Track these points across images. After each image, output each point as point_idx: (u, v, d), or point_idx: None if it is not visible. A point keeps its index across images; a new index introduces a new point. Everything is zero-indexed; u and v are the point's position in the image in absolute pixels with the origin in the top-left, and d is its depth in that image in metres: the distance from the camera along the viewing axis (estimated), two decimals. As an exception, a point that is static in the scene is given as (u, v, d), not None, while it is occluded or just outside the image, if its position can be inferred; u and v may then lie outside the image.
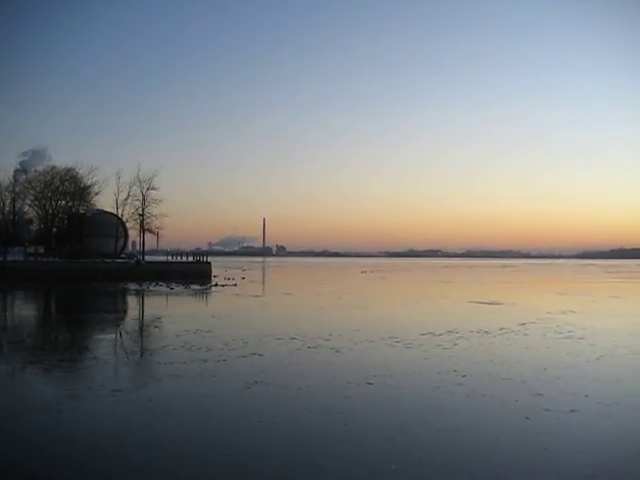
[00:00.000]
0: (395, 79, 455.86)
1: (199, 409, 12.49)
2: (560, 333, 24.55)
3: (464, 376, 15.75)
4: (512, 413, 12.34)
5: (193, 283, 60.28)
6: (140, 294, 49.18)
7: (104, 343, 21.93)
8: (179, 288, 53.90)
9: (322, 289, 57.02)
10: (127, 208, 79.98)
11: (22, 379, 15.98)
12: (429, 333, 23.94)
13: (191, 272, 72.62)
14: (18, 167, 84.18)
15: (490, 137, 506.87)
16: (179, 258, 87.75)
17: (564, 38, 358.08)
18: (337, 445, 10.17)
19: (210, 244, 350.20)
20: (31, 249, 75.45)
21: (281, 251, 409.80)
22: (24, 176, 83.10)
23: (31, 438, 10.44)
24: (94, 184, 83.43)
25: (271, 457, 9.55)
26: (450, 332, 24.28)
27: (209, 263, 79.59)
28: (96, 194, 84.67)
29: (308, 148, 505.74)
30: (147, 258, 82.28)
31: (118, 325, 28.59)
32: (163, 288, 53.76)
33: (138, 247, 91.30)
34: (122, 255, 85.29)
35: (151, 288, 53.92)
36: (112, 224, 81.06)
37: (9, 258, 69.18)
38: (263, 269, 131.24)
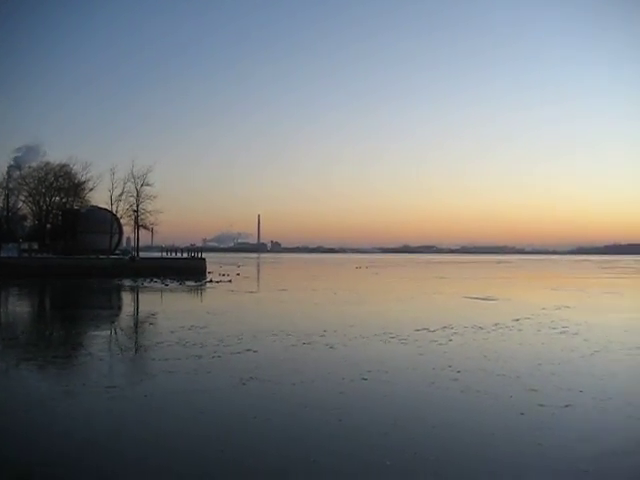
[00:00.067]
0: (389, 75, 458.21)
1: (194, 405, 12.46)
2: (554, 329, 24.62)
3: (459, 372, 15.77)
4: (507, 409, 12.36)
5: (188, 279, 60.23)
6: (135, 290, 49.11)
7: (98, 339, 21.89)
8: (174, 284, 53.82)
9: (317, 285, 57.02)
10: (121, 204, 79.98)
11: (16, 376, 15.91)
12: (424, 329, 23.96)
13: (186, 268, 72.64)
14: (12, 163, 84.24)
15: (484, 132, 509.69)
16: (174, 254, 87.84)
17: (562, 33, 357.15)
18: (332, 441, 10.18)
19: (205, 240, 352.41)
20: (25, 245, 75.11)
21: (276, 247, 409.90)
22: (18, 172, 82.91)
23: (26, 435, 10.42)
24: (88, 180, 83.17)
25: (266, 453, 9.55)
26: (445, 328, 24.32)
27: (204, 259, 79.71)
28: (90, 190, 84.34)
29: (303, 144, 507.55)
30: (142, 254, 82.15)
31: (112, 321, 28.53)
32: (158, 284, 53.71)
33: (132, 243, 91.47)
34: (116, 251, 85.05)
35: (146, 284, 53.87)
36: (106, 220, 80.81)
37: (3, 254, 68.76)
38: (258, 265, 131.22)
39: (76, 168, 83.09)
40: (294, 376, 15.10)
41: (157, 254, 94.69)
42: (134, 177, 78.24)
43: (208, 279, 61.95)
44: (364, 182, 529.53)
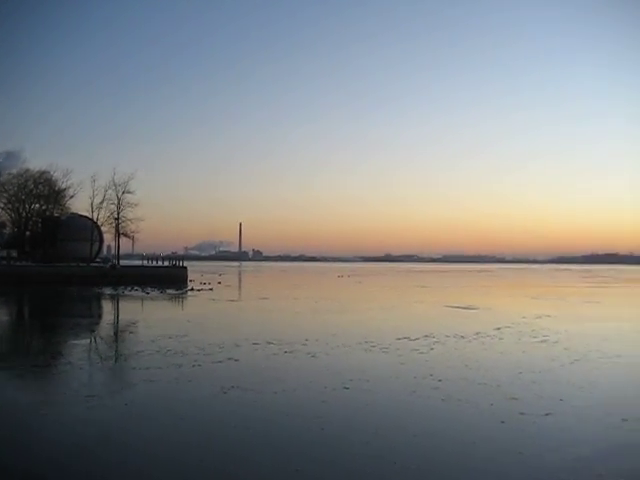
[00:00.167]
0: (368, 84, 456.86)
1: (175, 413, 12.39)
2: (535, 337, 24.79)
3: (440, 380, 15.82)
4: (488, 417, 12.42)
5: (169, 288, 59.87)
6: (115, 299, 48.76)
7: (78, 348, 21.69)
8: (155, 293, 53.50)
9: (298, 294, 56.96)
10: (102, 212, 79.18)
11: (-6, 385, 15.74)
12: (405, 338, 24.01)
13: (167, 276, 72.27)
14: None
15: (464, 140, 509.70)
16: (155, 262, 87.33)
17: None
18: (313, 449, 10.17)
19: (186, 248, 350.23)
20: (4, 253, 74.36)
21: (257, 256, 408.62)
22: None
23: (1, 446, 10.31)
24: (69, 187, 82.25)
25: (247, 460, 9.52)
26: (426, 336, 24.39)
27: (185, 268, 79.32)
28: (71, 197, 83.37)
29: (284, 153, 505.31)
30: (122, 262, 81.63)
31: (93, 330, 28.29)
32: (139, 293, 53.37)
33: (113, 251, 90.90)
34: (97, 259, 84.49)
35: (126, 293, 53.50)
36: (87, 228, 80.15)
37: (-19, 262, 68.13)
38: (239, 274, 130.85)
39: (56, 175, 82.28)
40: (276, 385, 15.06)
41: (138, 262, 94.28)
42: (115, 184, 77.69)
43: (189, 287, 61.68)
44: (346, 191, 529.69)
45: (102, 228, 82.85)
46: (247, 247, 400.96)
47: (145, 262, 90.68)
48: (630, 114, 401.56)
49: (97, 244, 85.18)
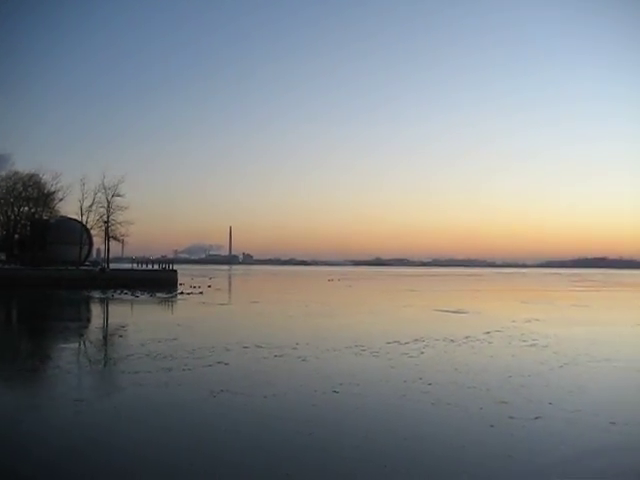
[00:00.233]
0: (360, 88, 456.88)
1: (164, 417, 12.36)
2: (524, 341, 24.86)
3: (430, 384, 15.85)
4: (477, 421, 12.44)
5: (159, 291, 59.71)
6: (104, 302, 48.55)
7: (67, 352, 21.60)
8: (144, 296, 53.33)
9: (289, 297, 56.95)
10: (92, 215, 78.76)
11: (-18, 389, 15.63)
12: (395, 341, 24.03)
13: (157, 280, 72.00)
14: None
15: (455, 144, 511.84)
16: (145, 266, 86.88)
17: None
18: (304, 453, 10.16)
19: (176, 252, 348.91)
20: (-8, 256, 74.00)
21: (248, 259, 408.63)
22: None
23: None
24: (58, 190, 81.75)
25: (238, 464, 9.51)
26: (416, 340, 24.42)
27: (175, 271, 79.03)
28: (60, 200, 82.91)
29: (275, 157, 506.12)
30: (112, 266, 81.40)
31: (81, 334, 28.16)
32: (128, 296, 53.14)
33: (103, 254, 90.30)
34: (86, 263, 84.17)
35: (116, 296, 53.27)
36: (76, 231, 79.78)
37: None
38: (229, 277, 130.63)
39: (46, 178, 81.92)
40: (266, 388, 15.04)
41: (127, 265, 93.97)
42: (105, 188, 77.32)
43: (179, 291, 61.54)
44: (336, 195, 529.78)
45: (92, 231, 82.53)
46: (237, 251, 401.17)
47: (135, 265, 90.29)
48: (630, 114, 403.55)
49: (86, 247, 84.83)
